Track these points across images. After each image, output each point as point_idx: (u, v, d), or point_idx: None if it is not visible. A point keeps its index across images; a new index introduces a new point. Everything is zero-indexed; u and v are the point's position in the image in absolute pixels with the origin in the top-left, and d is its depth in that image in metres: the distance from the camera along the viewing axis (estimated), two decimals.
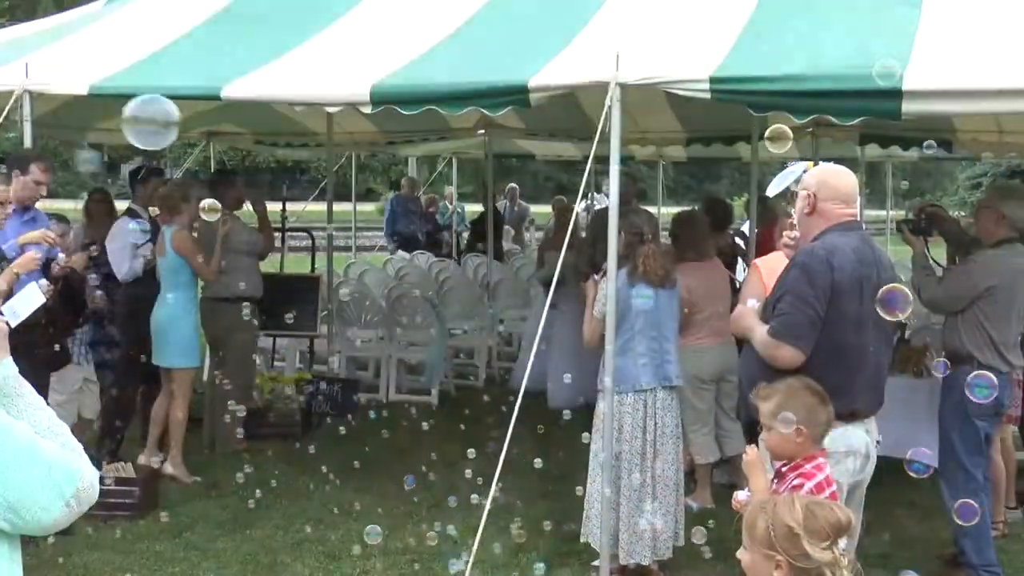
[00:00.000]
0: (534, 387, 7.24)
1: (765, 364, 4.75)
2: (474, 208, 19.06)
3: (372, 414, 8.27)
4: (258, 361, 11.37)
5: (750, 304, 5.06)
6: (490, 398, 8.23)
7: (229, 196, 9.23)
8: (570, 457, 7.05)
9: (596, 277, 6.40)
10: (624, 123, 6.05)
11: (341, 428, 9.15)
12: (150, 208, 8.68)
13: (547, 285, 10.34)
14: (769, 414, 4.13)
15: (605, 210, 6.40)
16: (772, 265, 5.28)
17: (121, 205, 9.28)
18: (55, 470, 2.42)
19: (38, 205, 7.46)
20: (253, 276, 9.20)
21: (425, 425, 7.58)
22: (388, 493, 7.84)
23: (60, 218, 8.08)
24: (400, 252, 18.22)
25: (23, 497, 2.37)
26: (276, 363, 11.45)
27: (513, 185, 22.17)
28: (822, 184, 4.93)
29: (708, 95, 5.91)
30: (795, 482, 4.03)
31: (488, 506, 5.40)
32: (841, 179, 4.97)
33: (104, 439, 8.45)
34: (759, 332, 4.82)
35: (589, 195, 17.48)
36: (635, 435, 6.35)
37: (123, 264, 8.52)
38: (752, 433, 4.34)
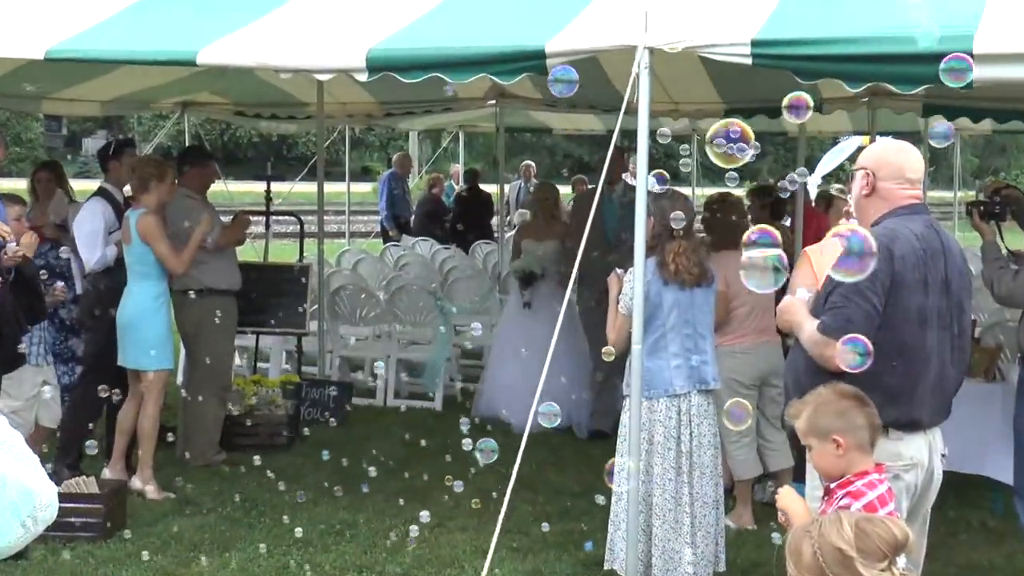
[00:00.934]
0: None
1: (814, 365, 4.73)
2: (485, 188, 19.02)
3: (367, 421, 8.29)
4: (239, 362, 11.42)
5: (800, 295, 5.03)
6: None
7: (202, 175, 9.29)
8: (591, 470, 7.05)
9: (620, 271, 6.39)
10: (654, 93, 6.03)
11: (333, 437, 9.18)
12: (125, 188, 8.74)
13: (525, 280, 10.34)
14: (803, 431, 4.13)
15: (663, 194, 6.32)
16: (824, 253, 5.25)
17: (83, 185, 9.31)
18: (9, 487, 2.40)
19: None
20: (227, 266, 9.22)
21: (427, 433, 7.60)
22: (386, 511, 7.86)
23: (13, 198, 8.05)
24: (405, 237, 18.24)
25: None
26: (259, 364, 11.46)
27: (528, 162, 22.18)
28: (882, 162, 4.90)
29: (749, 60, 5.88)
30: (843, 502, 4.01)
31: (499, 526, 5.40)
32: (903, 156, 4.94)
33: (65, 450, 8.48)
34: (808, 328, 4.78)
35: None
36: (668, 446, 6.34)
37: (94, 251, 8.55)
38: (800, 444, 4.32)
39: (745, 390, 7.92)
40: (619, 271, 6.42)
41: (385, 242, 18.60)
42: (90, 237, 8.60)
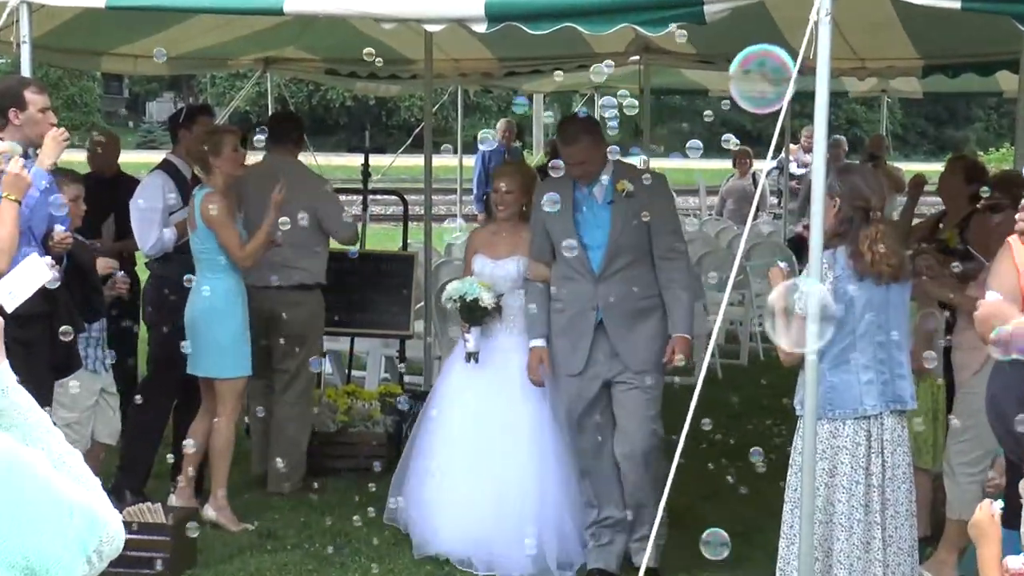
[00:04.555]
0: None
1: None
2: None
3: None
4: (329, 370, 11.53)
5: (991, 297, 4.95)
6: None
7: (287, 145, 9.38)
8: (757, 505, 6.99)
9: (783, 264, 6.34)
10: (835, 46, 5.96)
11: None
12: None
13: (470, 317, 8.26)
14: None
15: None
16: None
17: (146, 156, 9.46)
18: (76, 516, 2.40)
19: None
20: (312, 256, 9.29)
21: None
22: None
23: (69, 175, 8.08)
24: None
25: (40, 555, 2.31)
26: (354, 373, 11.57)
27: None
28: None
29: (957, 4, 5.79)
30: None
31: (644, 568, 5.38)
32: None
33: (129, 470, 8.64)
34: None
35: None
36: (855, 479, 6.27)
37: (150, 233, 8.69)
38: (1019, 476, 4.25)
39: None
40: (782, 264, 6.36)
41: None
42: (145, 216, 8.71)
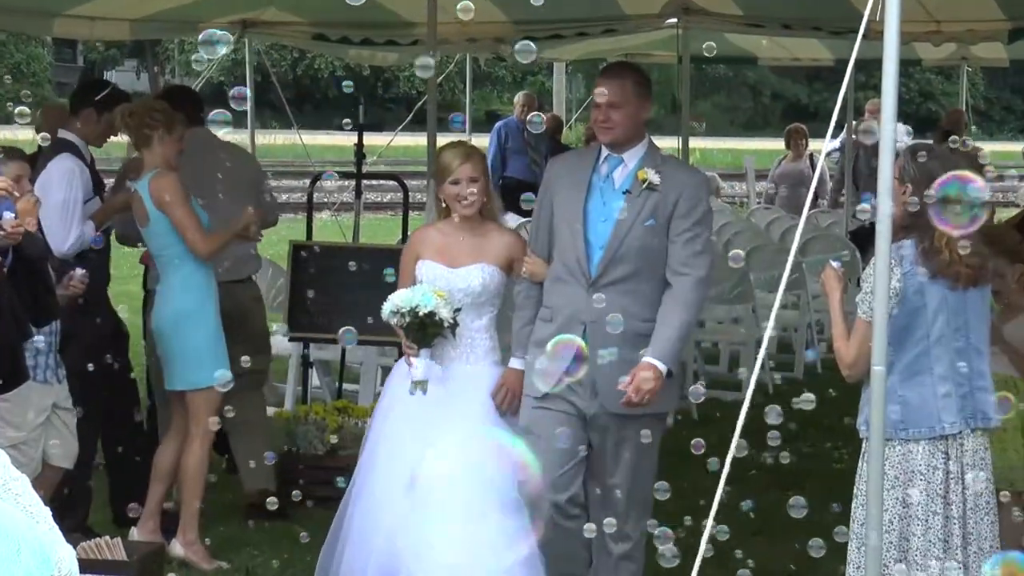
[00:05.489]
0: None
1: None
2: (665, 143, 19.00)
3: None
4: (316, 383, 11.56)
5: None
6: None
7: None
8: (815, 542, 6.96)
9: (836, 264, 6.34)
10: (906, 6, 5.96)
11: None
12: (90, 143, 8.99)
13: (417, 336, 7.55)
14: None
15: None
16: None
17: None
18: (23, 551, 2.41)
19: None
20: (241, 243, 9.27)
21: None
22: None
23: (11, 153, 8.14)
24: (510, 215, 18.20)
25: None
26: (346, 386, 11.59)
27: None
28: None
29: None
30: None
31: None
32: None
33: (70, 502, 8.58)
34: None
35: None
36: (933, 510, 6.26)
37: (70, 229, 8.62)
38: None
39: None
40: (834, 263, 6.36)
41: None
42: (66, 208, 8.65)
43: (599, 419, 7.06)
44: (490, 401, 7.39)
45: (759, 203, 20.84)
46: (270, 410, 10.87)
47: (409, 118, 16.73)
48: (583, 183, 7.18)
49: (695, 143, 15.62)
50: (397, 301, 7.36)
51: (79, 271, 8.30)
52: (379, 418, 7.70)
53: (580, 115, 21.20)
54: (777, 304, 6.10)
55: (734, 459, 5.49)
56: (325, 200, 17.04)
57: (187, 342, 8.45)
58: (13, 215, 7.21)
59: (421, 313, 7.23)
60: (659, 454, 7.34)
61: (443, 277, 7.45)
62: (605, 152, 7.23)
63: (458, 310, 7.32)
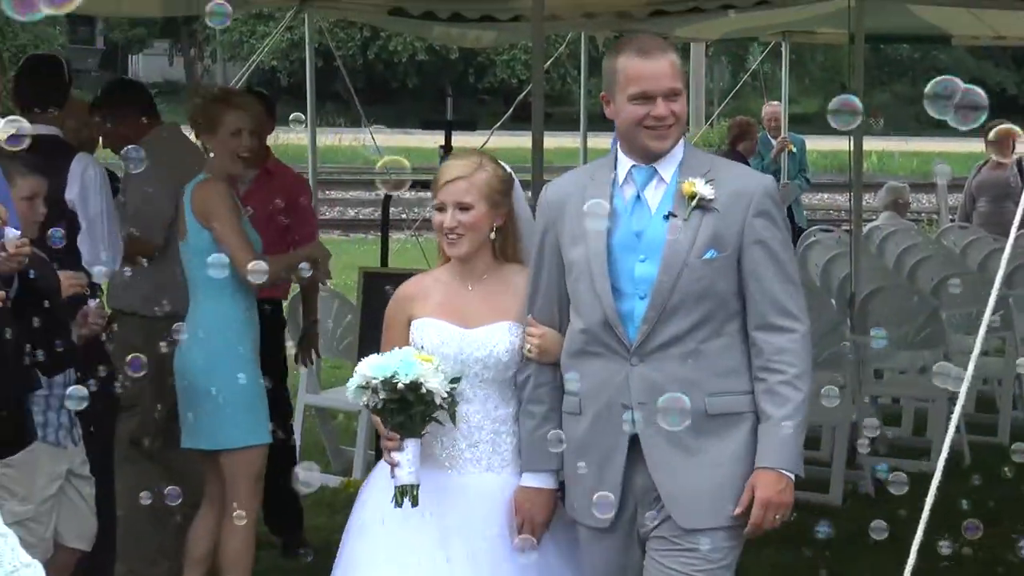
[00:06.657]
0: None
1: None
2: (817, 145, 18.80)
3: None
4: None
5: None
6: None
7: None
8: None
9: None
10: None
11: None
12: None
13: (399, 424, 6.59)
14: None
15: None
16: None
17: None
18: None
19: None
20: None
21: None
22: None
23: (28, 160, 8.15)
24: None
25: None
26: None
27: (774, 103, 21.56)
28: None
29: None
30: None
31: None
32: None
33: None
34: None
35: None
36: None
37: (105, 246, 8.87)
38: None
39: None
40: None
41: None
42: (99, 223, 8.97)
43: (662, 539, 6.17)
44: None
45: (952, 220, 20.82)
46: (334, 480, 11.43)
47: (508, 113, 16.78)
48: (601, 213, 6.12)
49: (870, 144, 15.20)
50: (366, 371, 6.26)
51: (92, 303, 8.27)
52: (354, 537, 6.69)
53: (725, 108, 21.06)
54: (977, 349, 5.94)
55: (922, 545, 5.41)
56: (403, 216, 17.26)
57: (220, 388, 8.46)
58: (18, 232, 7.18)
59: (400, 386, 6.15)
60: (823, 542, 7.33)
61: (453, 341, 6.46)
62: (627, 163, 6.29)
63: (456, 380, 6.32)
